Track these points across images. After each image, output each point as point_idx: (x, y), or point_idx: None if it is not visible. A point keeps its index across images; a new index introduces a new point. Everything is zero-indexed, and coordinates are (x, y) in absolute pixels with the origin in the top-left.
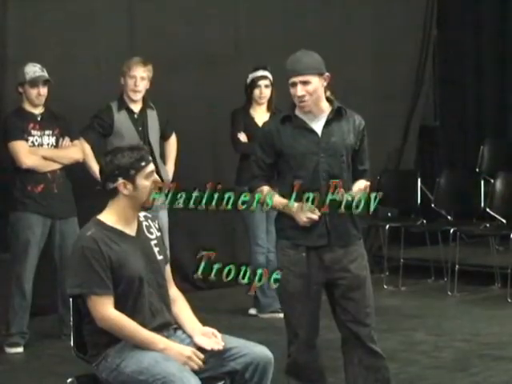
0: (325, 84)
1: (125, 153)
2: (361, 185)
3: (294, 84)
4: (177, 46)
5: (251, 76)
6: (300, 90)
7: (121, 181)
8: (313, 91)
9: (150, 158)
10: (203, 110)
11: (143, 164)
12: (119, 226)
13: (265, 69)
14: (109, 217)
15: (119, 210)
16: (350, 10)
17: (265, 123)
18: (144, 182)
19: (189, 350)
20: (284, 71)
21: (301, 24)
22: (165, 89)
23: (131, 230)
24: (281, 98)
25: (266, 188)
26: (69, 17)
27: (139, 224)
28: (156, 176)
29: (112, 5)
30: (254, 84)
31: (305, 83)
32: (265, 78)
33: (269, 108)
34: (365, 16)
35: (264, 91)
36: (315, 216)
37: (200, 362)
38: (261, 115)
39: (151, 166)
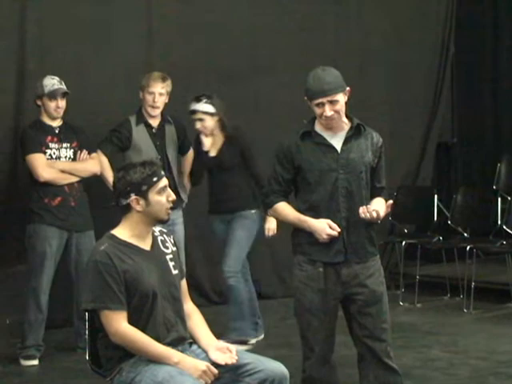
0: (346, 99)
1: (137, 168)
2: (381, 203)
3: (321, 104)
4: (192, 60)
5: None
6: (329, 111)
7: (133, 197)
8: (340, 109)
9: (163, 172)
10: None
11: (155, 179)
12: (133, 241)
13: (199, 100)
14: (122, 231)
15: (133, 225)
16: (366, 28)
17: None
18: (157, 198)
19: (203, 364)
20: (305, 90)
21: (317, 40)
22: (180, 102)
23: (146, 245)
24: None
25: (283, 203)
26: (86, 30)
27: (154, 239)
28: (169, 191)
29: (129, 19)
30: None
31: (332, 102)
32: (195, 112)
33: (221, 134)
34: (382, 34)
35: (198, 124)
36: (335, 232)
37: (213, 378)
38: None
39: (164, 181)
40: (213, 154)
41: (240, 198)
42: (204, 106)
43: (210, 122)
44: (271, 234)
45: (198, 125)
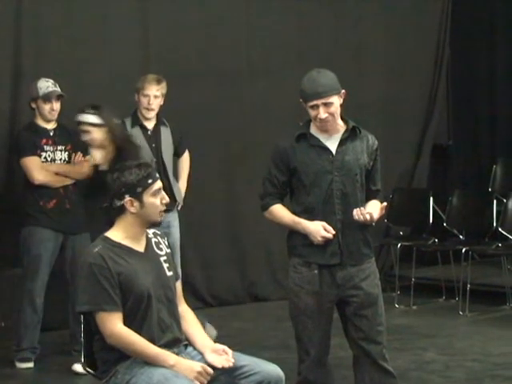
0: (341, 101)
1: (132, 170)
2: (376, 206)
3: (316, 106)
4: (189, 61)
5: None
6: (323, 113)
7: (128, 198)
8: (335, 112)
9: (158, 175)
10: (215, 124)
11: (150, 181)
12: (127, 243)
13: (83, 111)
14: (116, 233)
15: (127, 227)
16: (363, 30)
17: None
18: (151, 200)
19: (198, 366)
20: (300, 92)
21: (314, 42)
22: (176, 103)
23: (139, 247)
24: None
25: (278, 206)
26: (82, 31)
27: (148, 240)
28: (164, 193)
29: (125, 20)
30: None
31: (326, 105)
32: (80, 124)
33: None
34: (378, 36)
35: (85, 136)
36: (329, 235)
37: (209, 378)
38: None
39: (158, 184)
40: (104, 167)
41: None
42: (89, 117)
43: (98, 134)
44: None
45: (86, 137)
